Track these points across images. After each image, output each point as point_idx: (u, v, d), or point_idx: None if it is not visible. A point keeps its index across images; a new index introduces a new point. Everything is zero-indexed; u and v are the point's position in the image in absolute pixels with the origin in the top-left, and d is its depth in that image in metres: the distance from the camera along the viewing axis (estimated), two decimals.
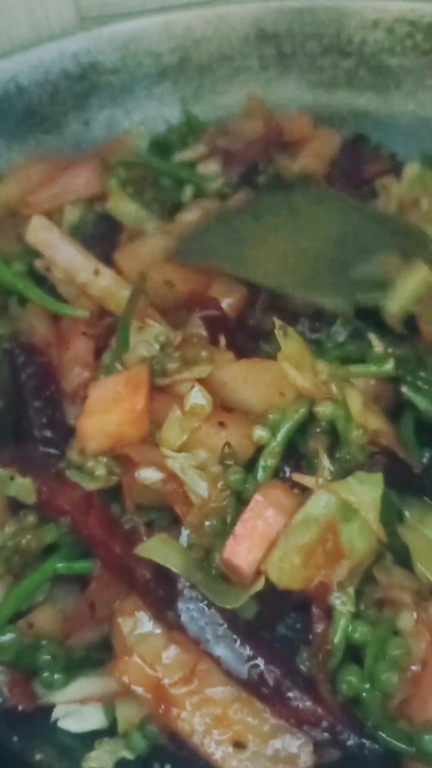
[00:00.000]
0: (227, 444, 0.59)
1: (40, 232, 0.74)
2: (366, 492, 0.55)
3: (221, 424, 0.60)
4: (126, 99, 0.96)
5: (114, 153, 0.88)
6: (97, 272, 0.73)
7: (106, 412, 0.61)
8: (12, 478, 0.60)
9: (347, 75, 0.97)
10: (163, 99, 0.97)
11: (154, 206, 0.85)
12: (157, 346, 0.67)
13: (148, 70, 0.96)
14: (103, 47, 0.94)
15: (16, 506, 0.62)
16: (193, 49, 0.97)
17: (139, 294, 0.68)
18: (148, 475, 0.59)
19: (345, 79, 0.97)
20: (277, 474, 0.59)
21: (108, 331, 0.71)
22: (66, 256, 0.73)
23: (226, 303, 0.71)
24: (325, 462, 0.58)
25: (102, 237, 0.81)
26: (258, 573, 0.54)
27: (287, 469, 0.60)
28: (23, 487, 0.59)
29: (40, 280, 0.77)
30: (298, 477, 0.57)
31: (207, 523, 0.57)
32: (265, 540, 0.54)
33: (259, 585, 0.53)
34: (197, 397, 0.60)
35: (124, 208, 0.83)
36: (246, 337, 0.69)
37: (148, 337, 0.66)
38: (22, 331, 0.72)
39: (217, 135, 0.91)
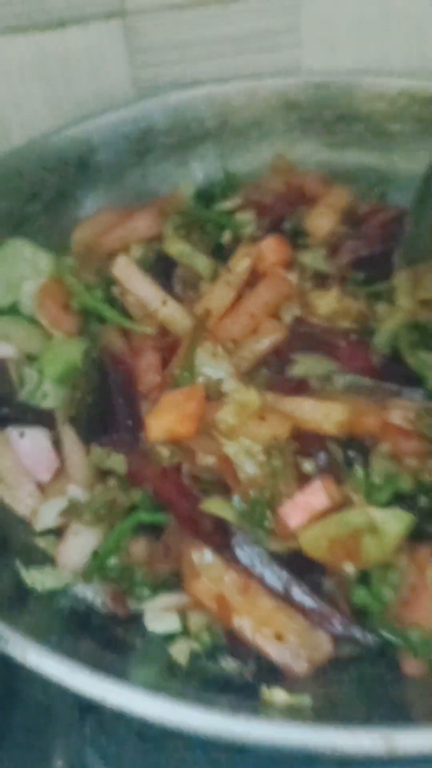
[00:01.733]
0: (275, 437, 0.79)
1: (124, 268, 0.95)
2: (395, 525, 0.71)
3: (262, 418, 0.81)
4: (175, 156, 1.14)
5: (168, 203, 1.07)
6: (164, 302, 0.93)
7: (165, 413, 0.81)
8: (108, 455, 0.81)
9: (357, 138, 1.15)
10: (205, 156, 1.14)
11: (200, 246, 1.05)
12: (221, 373, 0.87)
13: (194, 132, 1.13)
14: (157, 113, 1.12)
15: (102, 475, 0.83)
16: (231, 115, 1.14)
17: (202, 330, 0.89)
18: (206, 458, 0.81)
19: (355, 141, 1.15)
20: None
21: (171, 346, 0.92)
22: (141, 289, 0.94)
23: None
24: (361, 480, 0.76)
25: (161, 271, 1.01)
26: (294, 535, 0.74)
27: None
28: (117, 461, 0.79)
29: (114, 303, 0.96)
30: (349, 491, 0.75)
31: (251, 492, 0.79)
32: (311, 513, 0.72)
33: (296, 544, 0.73)
34: (252, 395, 0.80)
35: (177, 247, 1.03)
36: None
37: (217, 362, 0.87)
38: (105, 345, 0.94)
39: (251, 190, 1.09)
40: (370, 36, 1.15)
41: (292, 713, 0.61)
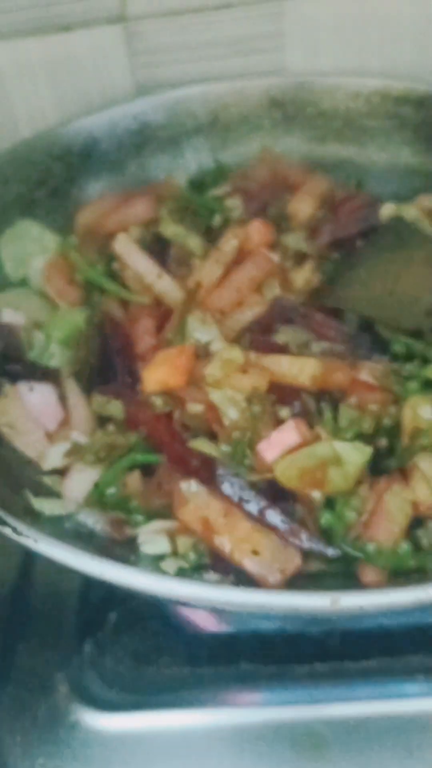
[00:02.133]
0: (255, 388, 0.89)
1: (123, 245, 1.05)
2: (356, 456, 0.80)
3: (244, 371, 0.92)
4: (171, 148, 1.23)
5: (164, 189, 1.17)
6: (159, 276, 1.03)
7: (159, 367, 0.91)
8: (108, 402, 0.92)
9: (336, 133, 1.24)
10: (198, 149, 1.23)
11: (193, 229, 1.16)
12: (209, 336, 0.97)
13: (188, 127, 1.22)
14: (155, 109, 1.21)
15: (102, 422, 0.93)
16: (222, 111, 1.23)
17: (193, 299, 0.99)
18: (194, 407, 0.92)
19: (334, 136, 1.24)
20: None
21: (165, 315, 1.02)
22: (139, 264, 1.03)
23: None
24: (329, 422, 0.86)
25: (157, 250, 1.10)
26: (270, 468, 0.85)
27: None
28: (116, 406, 0.90)
29: (114, 277, 1.07)
30: (319, 429, 0.85)
31: (234, 435, 0.89)
32: (284, 448, 0.81)
33: (271, 475, 0.84)
34: (236, 352, 0.91)
35: (172, 229, 1.13)
36: None
37: (206, 328, 0.98)
38: (105, 313, 1.05)
39: (239, 178, 1.19)
40: (349, 40, 1.26)
41: None
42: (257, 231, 1.11)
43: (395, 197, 1.18)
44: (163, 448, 0.88)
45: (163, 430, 0.88)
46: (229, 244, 1.09)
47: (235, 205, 1.18)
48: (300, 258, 1.13)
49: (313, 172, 1.22)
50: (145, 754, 0.88)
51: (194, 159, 1.26)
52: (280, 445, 0.83)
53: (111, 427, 0.90)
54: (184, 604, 0.70)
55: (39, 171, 1.17)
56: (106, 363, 0.98)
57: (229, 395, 0.89)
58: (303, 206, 1.16)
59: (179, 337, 0.98)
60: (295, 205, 1.16)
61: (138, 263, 1.06)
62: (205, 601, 0.69)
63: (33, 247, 1.09)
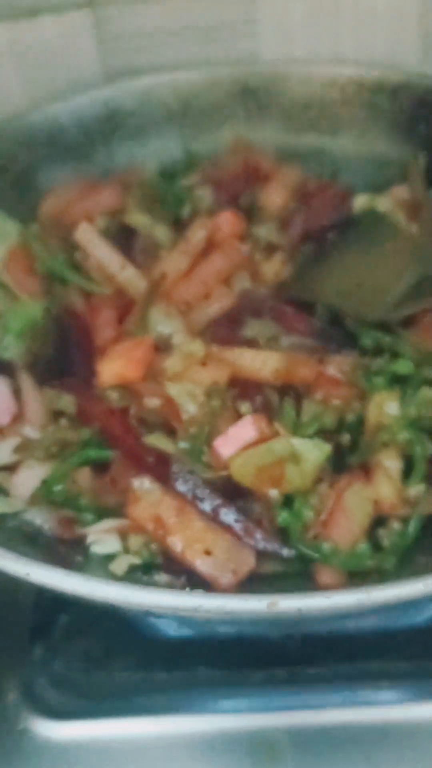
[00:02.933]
0: (215, 382, 0.86)
1: (86, 234, 1.01)
2: (314, 453, 0.77)
3: (203, 364, 0.88)
4: (140, 136, 1.20)
5: (131, 178, 1.14)
6: (123, 267, 0.99)
7: (115, 359, 0.87)
8: (59, 396, 0.88)
9: (310, 122, 1.21)
10: (169, 137, 1.20)
11: (161, 219, 1.12)
12: (172, 330, 0.94)
13: (158, 115, 1.20)
14: (125, 96, 1.18)
15: (56, 416, 0.89)
16: (193, 100, 1.20)
17: (157, 290, 0.96)
18: (152, 401, 0.88)
19: (308, 125, 1.21)
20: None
21: (127, 306, 0.99)
22: (102, 254, 0.99)
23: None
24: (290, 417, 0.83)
25: (122, 240, 1.06)
26: (226, 465, 0.82)
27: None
28: (67, 401, 0.86)
29: (77, 268, 1.02)
30: (278, 425, 0.81)
31: (191, 430, 0.86)
32: (241, 444, 0.78)
33: (226, 472, 0.81)
34: (197, 345, 0.87)
35: (139, 219, 1.09)
36: None
37: (169, 320, 0.94)
38: (65, 304, 1.01)
39: (210, 168, 1.16)
40: (323, 27, 1.23)
41: None
42: (227, 221, 1.08)
43: (370, 188, 1.16)
44: (117, 444, 0.84)
45: (116, 424, 0.85)
46: (196, 234, 1.06)
47: (204, 194, 1.15)
48: (271, 250, 1.10)
49: (286, 162, 1.19)
50: (98, 763, 0.84)
51: (164, 148, 1.23)
52: (236, 441, 0.80)
53: (63, 422, 0.86)
54: (118, 607, 0.65)
55: (2, 157, 1.14)
56: (63, 355, 0.94)
57: (188, 389, 0.86)
58: (275, 197, 1.13)
59: (141, 329, 0.94)
60: (266, 196, 1.13)
61: (100, 253, 1.02)
62: (137, 605, 0.65)
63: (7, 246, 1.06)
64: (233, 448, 0.80)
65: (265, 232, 1.11)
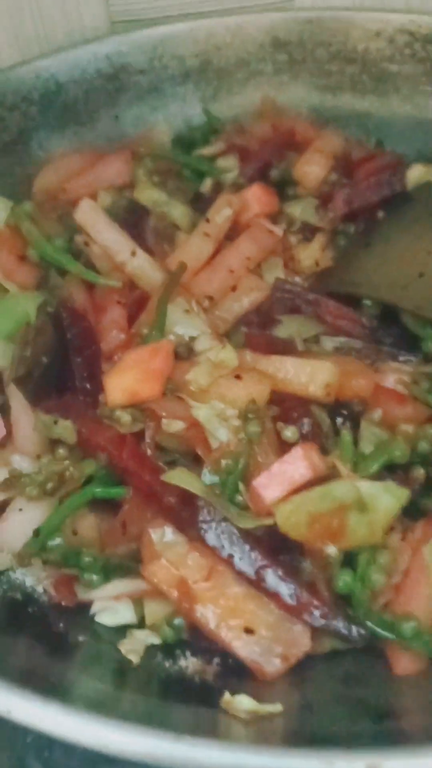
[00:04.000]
0: (252, 400, 0.69)
1: (88, 213, 0.85)
2: (387, 501, 0.62)
3: (238, 377, 0.71)
4: (152, 97, 1.04)
5: (141, 146, 0.97)
6: (133, 253, 0.84)
7: (125, 371, 0.71)
8: (55, 422, 0.70)
9: (351, 80, 1.06)
10: (185, 98, 1.05)
11: (178, 195, 0.95)
12: (195, 332, 0.77)
13: (173, 71, 1.04)
14: (133, 50, 1.03)
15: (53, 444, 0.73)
16: (214, 53, 1.05)
17: (176, 284, 0.79)
18: (173, 424, 0.70)
19: (349, 83, 1.06)
20: None
21: (139, 301, 0.82)
22: (108, 237, 0.84)
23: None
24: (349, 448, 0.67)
25: (132, 221, 0.90)
26: (269, 511, 0.64)
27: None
28: (65, 428, 0.69)
29: (77, 255, 0.86)
30: (335, 461, 0.65)
31: (223, 462, 0.68)
32: (289, 485, 0.63)
33: (271, 521, 0.63)
34: (228, 353, 0.70)
35: (151, 195, 0.93)
36: None
37: (190, 320, 0.77)
38: (64, 299, 0.83)
39: (235, 134, 1.00)
40: None
41: (259, 728, 0.51)
42: (256, 198, 0.92)
43: (423, 157, 0.99)
44: (130, 479, 0.67)
45: (128, 455, 0.67)
46: (220, 213, 0.89)
47: (229, 166, 0.98)
48: (308, 232, 0.93)
49: (324, 127, 1.02)
50: None
51: (180, 111, 1.07)
52: (284, 480, 0.63)
53: (62, 451, 0.69)
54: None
55: None
56: (61, 363, 0.76)
57: (219, 410, 0.69)
58: (312, 168, 0.96)
59: (156, 331, 0.77)
60: (302, 167, 0.96)
61: (106, 236, 0.86)
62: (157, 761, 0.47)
63: None
64: (280, 490, 0.63)
65: (301, 210, 0.94)
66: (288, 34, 1.06)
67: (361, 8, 1.07)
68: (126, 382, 0.70)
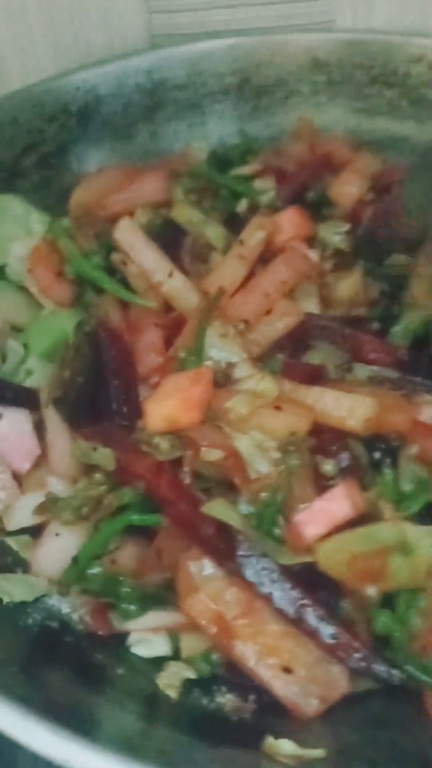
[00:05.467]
0: (293, 432, 0.68)
1: (127, 232, 0.84)
2: (430, 542, 0.61)
3: (278, 408, 0.70)
4: (189, 114, 1.04)
5: (179, 164, 0.96)
6: (171, 275, 0.83)
7: (166, 399, 0.70)
8: (94, 449, 0.69)
9: (389, 104, 1.05)
10: (222, 116, 1.05)
11: (213, 214, 0.94)
12: (233, 358, 0.76)
13: (211, 88, 1.04)
14: (173, 65, 1.03)
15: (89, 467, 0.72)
16: (253, 71, 1.05)
17: (216, 307, 0.78)
18: (211, 453, 0.70)
19: (387, 107, 1.05)
20: None
21: (176, 324, 0.81)
22: (146, 257, 0.83)
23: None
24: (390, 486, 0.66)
25: (168, 240, 0.89)
26: (310, 548, 0.63)
27: None
28: (104, 456, 0.68)
29: (113, 273, 0.85)
30: (383, 504, 0.64)
31: (262, 495, 0.68)
32: (331, 523, 0.63)
33: (311, 558, 0.62)
34: (268, 383, 0.70)
35: (189, 214, 0.92)
36: None
37: (227, 345, 0.76)
38: (101, 319, 0.82)
39: (272, 155, 0.99)
40: None
41: None
42: (291, 222, 0.91)
43: None
44: (167, 509, 0.67)
45: (167, 484, 0.67)
46: (254, 236, 0.87)
47: (265, 187, 0.97)
48: (341, 258, 0.91)
49: (360, 150, 1.01)
50: None
51: (218, 129, 1.07)
52: (325, 517, 0.63)
53: (98, 476, 0.68)
54: None
55: (27, 133, 0.97)
56: (98, 385, 0.76)
57: (258, 440, 0.68)
58: (349, 188, 0.95)
59: (195, 356, 0.76)
60: (339, 187, 0.96)
61: (144, 256, 0.85)
62: None
63: (14, 229, 0.89)
64: (321, 528, 0.62)
65: (333, 233, 0.92)
66: (328, 55, 1.05)
67: (403, 32, 1.06)
68: (167, 409, 0.69)
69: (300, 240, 0.91)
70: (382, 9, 1.08)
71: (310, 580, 0.62)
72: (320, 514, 0.63)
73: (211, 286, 0.83)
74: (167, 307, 0.84)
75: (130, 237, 0.85)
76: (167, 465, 0.68)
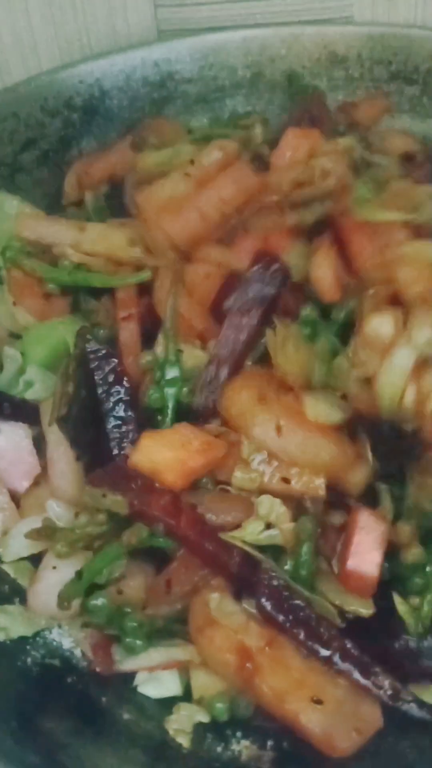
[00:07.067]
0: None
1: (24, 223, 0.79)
2: None
3: (285, 480, 0.63)
4: (199, 108, 0.99)
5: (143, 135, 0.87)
6: (82, 228, 0.76)
7: (165, 448, 0.63)
8: (104, 496, 0.61)
9: (410, 102, 1.00)
10: (234, 111, 1.00)
11: None
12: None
13: (222, 82, 0.99)
14: (183, 57, 0.97)
15: None
16: (267, 65, 0.99)
17: (179, 280, 0.71)
18: None
19: (408, 105, 1.00)
20: None
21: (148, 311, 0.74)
22: (47, 230, 0.77)
23: None
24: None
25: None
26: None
27: None
28: (116, 502, 0.61)
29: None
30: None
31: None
32: (380, 546, 0.59)
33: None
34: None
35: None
36: None
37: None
38: (100, 323, 0.76)
39: None
40: None
41: None
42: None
43: None
44: (189, 546, 0.61)
45: (186, 525, 0.61)
46: (208, 155, 0.79)
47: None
48: None
49: None
50: None
51: None
52: (371, 545, 0.59)
53: (101, 517, 0.62)
54: None
55: (28, 127, 0.91)
56: (103, 398, 0.70)
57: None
58: None
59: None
60: None
61: (46, 230, 0.78)
62: None
63: (10, 228, 0.81)
64: (377, 555, 0.59)
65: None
66: (346, 50, 0.99)
67: (425, 26, 1.01)
68: (159, 457, 0.63)
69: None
70: (403, 2, 1.02)
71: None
72: (364, 547, 0.58)
73: (146, 201, 0.75)
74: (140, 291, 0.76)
75: (28, 224, 0.79)
76: (185, 503, 0.62)
